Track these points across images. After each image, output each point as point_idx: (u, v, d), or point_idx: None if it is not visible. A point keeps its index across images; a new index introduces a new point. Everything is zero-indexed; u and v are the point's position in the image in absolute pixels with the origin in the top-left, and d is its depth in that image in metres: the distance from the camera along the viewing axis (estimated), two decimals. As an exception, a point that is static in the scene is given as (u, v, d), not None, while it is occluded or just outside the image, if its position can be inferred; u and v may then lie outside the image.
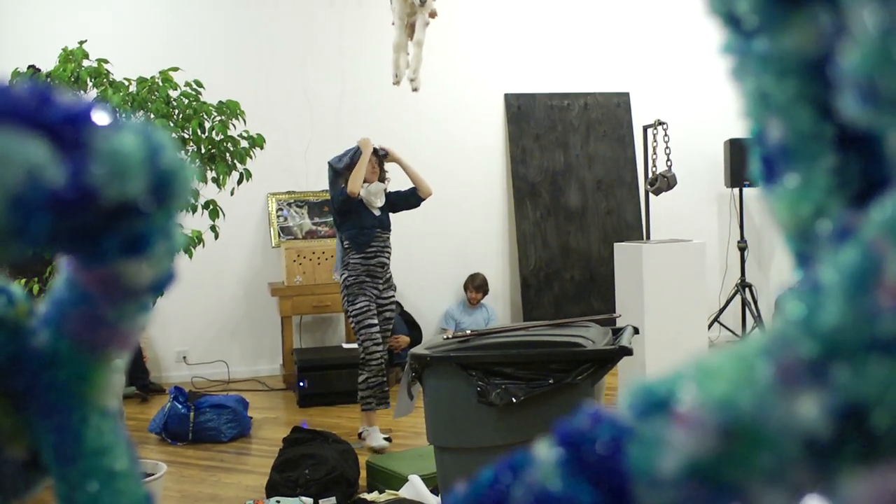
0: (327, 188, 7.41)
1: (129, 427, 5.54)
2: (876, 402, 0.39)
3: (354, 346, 6.67)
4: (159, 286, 0.60)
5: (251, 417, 5.60)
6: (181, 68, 3.55)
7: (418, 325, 7.33)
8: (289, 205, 7.35)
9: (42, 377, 0.66)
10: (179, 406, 5.32)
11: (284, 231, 7.26)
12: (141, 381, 6.66)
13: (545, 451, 0.51)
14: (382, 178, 5.21)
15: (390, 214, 5.27)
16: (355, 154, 5.09)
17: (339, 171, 5.11)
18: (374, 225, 5.05)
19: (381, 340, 5.03)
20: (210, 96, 3.69)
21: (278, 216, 7.29)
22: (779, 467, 0.41)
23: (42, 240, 0.40)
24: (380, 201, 5.13)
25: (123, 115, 3.07)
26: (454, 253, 7.70)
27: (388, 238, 5.15)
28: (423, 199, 5.33)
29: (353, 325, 5.05)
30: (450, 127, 7.68)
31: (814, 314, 0.41)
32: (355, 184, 4.92)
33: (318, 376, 6.15)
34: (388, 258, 5.13)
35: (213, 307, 7.22)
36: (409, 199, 5.32)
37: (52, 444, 0.66)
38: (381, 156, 5.18)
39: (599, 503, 0.46)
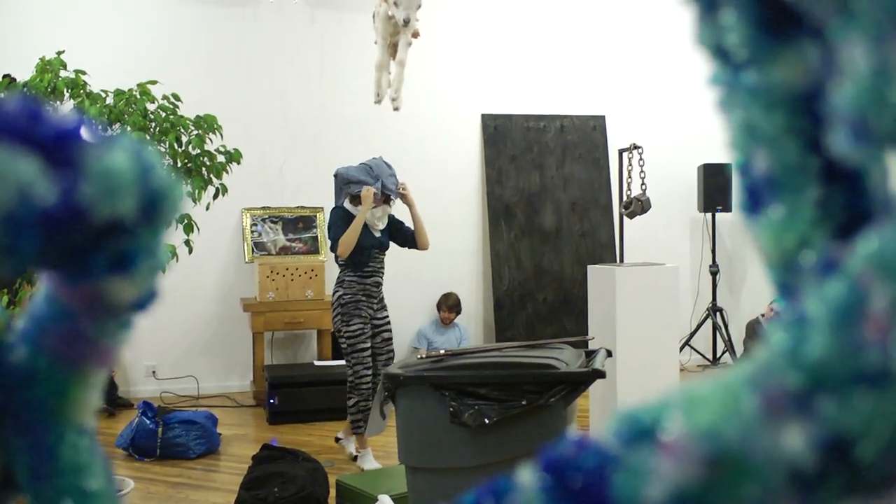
0: (303, 205, 7.42)
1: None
2: (861, 435, 0.39)
3: (326, 363, 6.65)
4: (142, 304, 0.60)
5: (220, 434, 5.55)
6: (159, 81, 3.53)
7: (391, 344, 7.31)
8: (263, 220, 7.32)
9: (18, 394, 0.65)
10: (147, 421, 5.26)
11: (258, 246, 7.23)
12: (109, 395, 6.58)
13: (528, 477, 0.51)
14: (388, 201, 5.10)
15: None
16: (351, 194, 4.98)
17: (341, 193, 5.02)
18: (373, 245, 4.97)
19: (370, 364, 4.95)
20: (188, 110, 3.67)
21: (252, 231, 7.26)
22: (764, 498, 0.41)
23: (32, 258, 0.39)
24: (382, 224, 5.06)
25: (100, 128, 3.06)
26: (428, 272, 7.69)
27: (384, 258, 5.10)
28: (419, 250, 5.21)
29: (344, 346, 4.96)
30: (427, 146, 7.70)
31: (800, 346, 0.41)
32: (346, 248, 4.84)
33: (289, 393, 6.11)
34: (383, 278, 5.09)
35: (184, 322, 7.16)
36: (407, 240, 5.19)
37: (27, 461, 0.65)
38: (393, 196, 5.06)
39: (583, 530, 0.46)
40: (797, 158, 0.51)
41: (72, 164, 0.39)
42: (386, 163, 5.13)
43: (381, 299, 5.09)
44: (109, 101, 3.29)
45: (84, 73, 3.29)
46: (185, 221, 3.53)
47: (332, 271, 7.31)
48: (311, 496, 3.97)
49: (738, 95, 0.52)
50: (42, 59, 3.22)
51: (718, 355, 8.07)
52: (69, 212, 0.38)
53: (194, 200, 3.45)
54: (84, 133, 0.40)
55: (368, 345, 4.96)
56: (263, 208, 7.33)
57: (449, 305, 7.39)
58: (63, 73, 3.21)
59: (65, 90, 3.19)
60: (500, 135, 7.85)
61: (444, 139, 7.75)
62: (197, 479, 4.85)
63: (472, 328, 7.75)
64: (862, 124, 0.41)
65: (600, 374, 2.74)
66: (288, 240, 7.32)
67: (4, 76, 3.70)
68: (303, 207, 7.42)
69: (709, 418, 0.42)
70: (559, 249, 7.83)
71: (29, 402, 0.65)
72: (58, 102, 3.28)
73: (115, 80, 4.09)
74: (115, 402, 6.58)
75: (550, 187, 7.88)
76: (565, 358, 2.90)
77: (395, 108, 2.50)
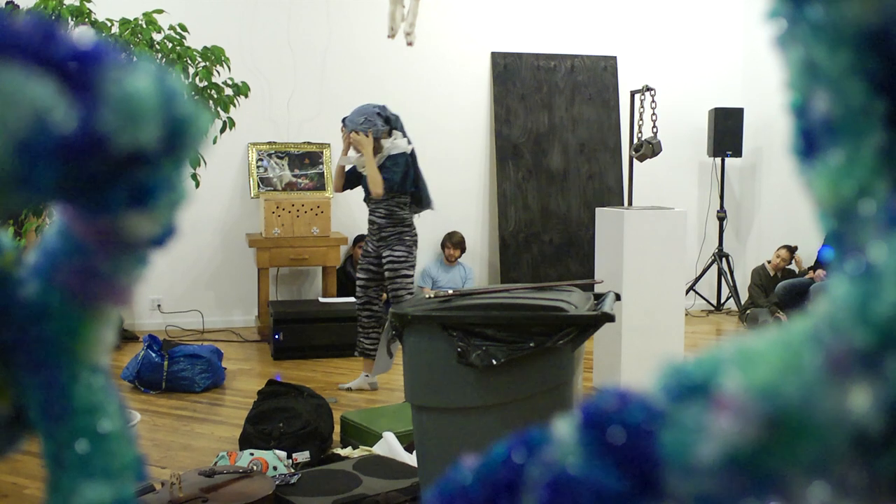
0: (309, 140, 7.35)
1: (101, 373, 5.52)
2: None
3: (331, 300, 6.66)
4: (160, 240, 0.57)
5: (225, 368, 5.58)
6: (165, 10, 3.46)
7: (396, 282, 7.31)
8: (269, 155, 7.26)
9: (30, 330, 0.63)
10: (153, 355, 5.29)
11: (264, 182, 7.19)
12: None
13: (564, 430, 0.49)
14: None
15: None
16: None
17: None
18: (363, 187, 5.20)
19: (360, 295, 5.28)
20: (193, 42, 3.60)
21: (258, 167, 7.21)
22: (824, 460, 0.39)
23: (48, 189, 0.36)
24: (361, 167, 5.14)
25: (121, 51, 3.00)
26: (433, 211, 7.65)
27: (378, 202, 5.12)
28: (370, 196, 5.16)
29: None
30: (435, 83, 7.60)
31: (869, 301, 0.38)
32: (377, 187, 4.99)
33: (293, 329, 6.13)
34: (379, 219, 5.13)
35: (189, 256, 7.15)
36: (364, 186, 5.21)
37: (40, 400, 0.63)
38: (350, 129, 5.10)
39: (626, 488, 0.43)
40: (861, 101, 0.47)
41: (90, 88, 0.36)
42: (368, 106, 5.12)
43: (383, 238, 5.08)
44: (115, 30, 3.23)
45: (89, 0, 3.22)
46: (192, 155, 3.49)
47: (337, 208, 7.29)
48: (316, 432, 4.00)
49: (801, 31, 0.49)
50: (47, -14, 3.15)
51: (723, 301, 8.07)
52: (88, 140, 0.35)
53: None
54: (103, 54, 0.37)
55: (363, 276, 5.22)
56: (269, 143, 7.27)
57: (453, 243, 7.37)
58: (67, 0, 3.14)
59: (69, 18, 3.12)
60: (509, 73, 7.74)
61: (453, 77, 7.64)
62: (202, 412, 4.89)
63: (476, 268, 7.74)
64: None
65: (609, 318, 2.73)
66: (294, 176, 7.27)
67: (7, 3, 3.63)
68: (309, 143, 7.35)
69: (768, 375, 0.40)
70: (566, 191, 7.78)
71: (41, 338, 0.62)
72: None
73: (120, 8, 4.01)
74: (120, 335, 6.61)
75: (559, 128, 7.79)
76: (574, 301, 2.88)
77: (409, 43, 2.42)
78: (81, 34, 0.40)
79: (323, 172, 7.32)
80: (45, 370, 0.64)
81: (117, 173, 0.40)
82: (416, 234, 5.20)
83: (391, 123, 5.13)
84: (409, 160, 5.11)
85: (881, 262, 0.40)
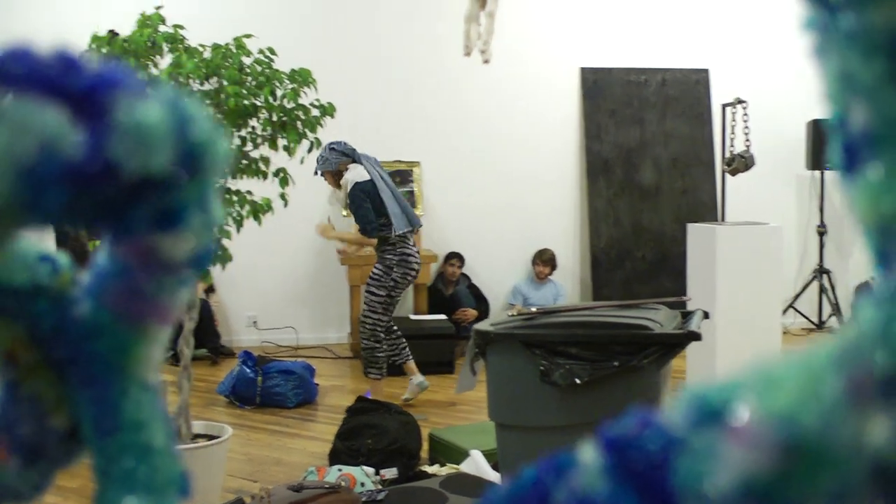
0: (399, 159, 7.44)
1: (199, 388, 5.67)
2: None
3: (422, 317, 6.70)
4: (198, 261, 0.59)
5: (317, 384, 5.66)
6: (254, 35, 3.55)
7: (486, 299, 7.32)
8: (361, 174, 7.36)
9: (83, 347, 0.65)
10: (248, 370, 5.41)
11: (355, 201, 7.28)
12: (212, 344, 6.80)
13: (590, 455, 0.48)
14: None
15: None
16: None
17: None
18: None
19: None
20: (286, 64, 3.67)
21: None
22: (843, 492, 0.37)
23: (57, 214, 0.38)
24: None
25: (187, 82, 3.06)
26: (524, 228, 7.64)
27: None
28: None
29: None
30: (523, 99, 7.60)
31: (891, 324, 0.36)
32: (367, 241, 5.29)
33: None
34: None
35: (284, 274, 7.31)
36: None
37: (91, 415, 0.65)
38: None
39: (644, 515, 0.42)
40: (899, 111, 0.45)
41: (102, 117, 0.37)
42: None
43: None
44: (207, 55, 3.33)
45: (182, 27, 3.33)
46: (282, 175, 3.57)
47: (428, 225, 7.34)
48: (404, 449, 4.02)
49: (835, 40, 0.47)
50: (143, 15, 3.28)
51: (824, 319, 7.80)
52: (97, 167, 0.36)
53: (290, 154, 3.48)
54: (118, 84, 0.38)
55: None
56: (361, 163, 7.37)
57: (543, 260, 7.33)
58: (162, 28, 3.26)
59: (164, 45, 3.24)
60: (599, 88, 7.68)
61: (542, 92, 7.63)
62: (294, 427, 4.97)
63: (568, 285, 7.68)
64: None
65: (695, 337, 2.66)
66: (385, 194, 7.34)
67: (109, 31, 3.78)
68: (399, 161, 7.43)
69: (786, 402, 0.38)
70: (659, 207, 7.66)
71: (93, 355, 0.65)
72: (157, 57, 3.34)
73: (210, 34, 4.14)
74: (217, 351, 6.78)
75: (650, 143, 7.69)
76: (659, 319, 2.83)
77: (485, 61, 2.43)
78: (104, 64, 0.41)
79: (413, 190, 7.39)
80: (96, 386, 0.66)
81: (135, 197, 0.41)
82: (402, 253, 5.16)
83: (350, 155, 5.24)
84: (365, 191, 5.13)
85: (908, 282, 0.38)
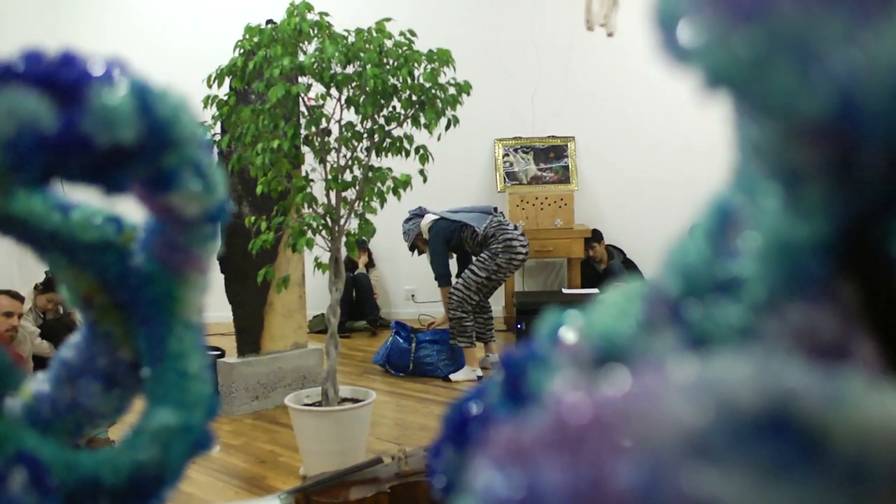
0: (554, 134, 7.48)
1: (356, 357, 5.97)
2: (719, 341, 0.41)
3: (574, 291, 6.74)
4: (213, 217, 0.71)
5: (468, 355, 5.82)
6: (396, 18, 3.71)
7: (643, 274, 7.26)
8: (515, 150, 7.46)
9: (140, 292, 0.79)
10: (401, 340, 5.63)
11: (510, 176, 7.39)
12: (371, 316, 7.10)
13: (499, 376, 0.56)
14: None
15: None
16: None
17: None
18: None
19: None
20: (435, 43, 3.79)
21: (504, 161, 7.42)
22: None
23: (39, 175, 0.50)
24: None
25: (329, 66, 3.22)
26: (683, 201, 7.51)
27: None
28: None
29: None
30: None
31: (677, 253, 0.43)
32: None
33: (535, 319, 6.26)
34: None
35: (441, 249, 7.50)
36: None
37: (145, 348, 0.79)
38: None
39: (512, 416, 0.51)
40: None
41: (79, 102, 0.48)
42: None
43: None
44: (351, 39, 3.51)
45: (327, 14, 3.52)
46: (422, 152, 3.72)
47: (582, 200, 7.35)
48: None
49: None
50: (291, 4, 3.49)
51: None
52: (70, 138, 0.48)
53: (430, 131, 3.61)
54: (97, 75, 0.50)
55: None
56: (515, 139, 7.47)
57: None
58: (309, 16, 3.46)
59: (311, 31, 3.44)
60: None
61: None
62: (443, 395, 5.15)
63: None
64: None
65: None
66: (539, 169, 7.42)
67: (268, 21, 4.04)
68: (554, 137, 7.47)
69: (603, 322, 0.45)
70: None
71: (147, 299, 0.79)
72: (305, 43, 3.55)
73: (354, 20, 4.32)
74: (376, 323, 7.08)
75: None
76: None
77: (609, 34, 2.43)
78: (94, 58, 0.53)
79: (567, 165, 7.41)
80: (149, 324, 0.80)
81: (117, 162, 0.53)
82: (505, 240, 5.44)
83: (420, 214, 5.77)
84: (439, 228, 5.63)
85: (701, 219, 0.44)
